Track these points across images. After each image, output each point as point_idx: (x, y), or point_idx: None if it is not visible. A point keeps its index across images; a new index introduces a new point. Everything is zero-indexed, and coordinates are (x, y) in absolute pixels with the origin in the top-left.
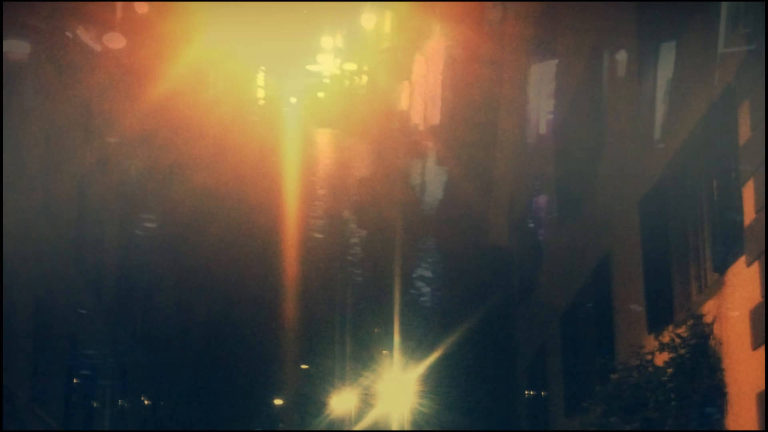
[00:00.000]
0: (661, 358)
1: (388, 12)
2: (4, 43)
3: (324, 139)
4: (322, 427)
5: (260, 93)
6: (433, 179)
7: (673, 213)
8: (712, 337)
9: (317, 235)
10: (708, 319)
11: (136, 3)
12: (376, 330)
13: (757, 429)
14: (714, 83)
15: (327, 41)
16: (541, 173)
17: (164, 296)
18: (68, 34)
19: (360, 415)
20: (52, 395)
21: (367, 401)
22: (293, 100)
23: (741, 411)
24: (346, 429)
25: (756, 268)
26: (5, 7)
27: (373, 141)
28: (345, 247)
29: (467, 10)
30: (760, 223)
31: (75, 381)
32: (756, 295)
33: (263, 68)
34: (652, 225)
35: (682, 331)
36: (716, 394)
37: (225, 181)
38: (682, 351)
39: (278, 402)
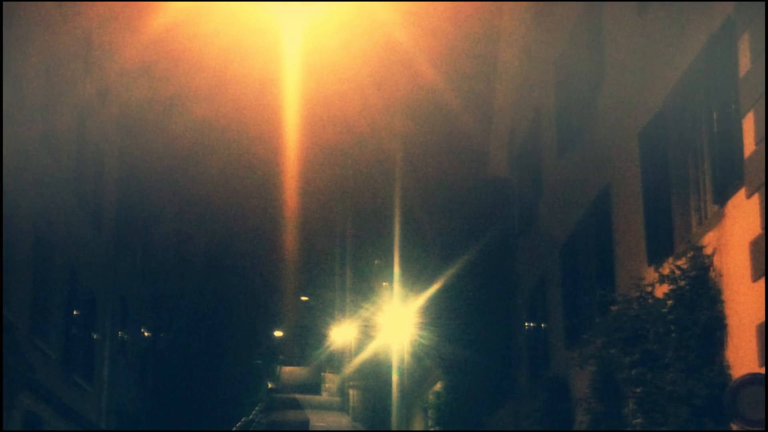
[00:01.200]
0: (661, 290)
1: None
2: None
3: (324, 71)
4: (324, 356)
5: (260, 24)
6: (432, 111)
7: (673, 145)
8: (712, 268)
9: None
10: (708, 250)
11: None
12: (376, 262)
13: (756, 360)
14: (714, 15)
15: None
16: (541, 105)
17: (164, 228)
18: None
19: (360, 347)
20: (52, 327)
21: (367, 333)
22: (294, 31)
23: (741, 343)
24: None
25: (756, 200)
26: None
27: (373, 72)
28: (345, 179)
29: None
30: (760, 155)
31: (75, 313)
32: (756, 227)
33: None
34: (652, 157)
35: (682, 262)
36: (716, 326)
37: (225, 113)
38: (682, 283)
39: (278, 334)
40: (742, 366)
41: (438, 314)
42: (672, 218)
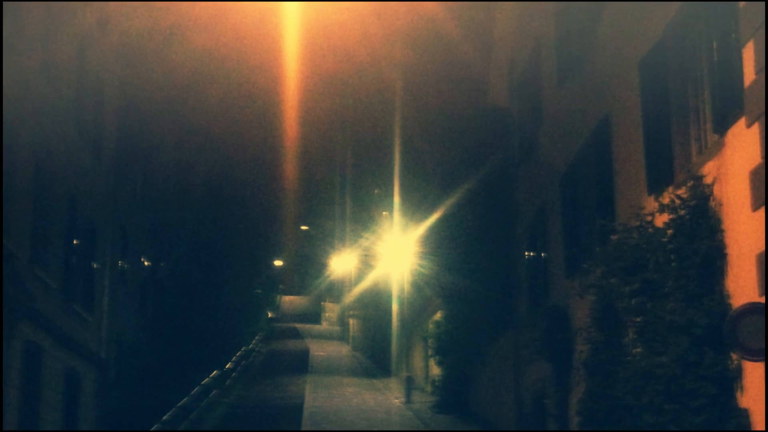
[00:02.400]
0: (661, 219)
1: None
2: None
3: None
4: (324, 285)
5: None
6: (432, 40)
7: (673, 74)
8: (712, 198)
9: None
10: (708, 180)
11: None
12: (376, 191)
13: (755, 290)
14: None
15: None
16: (541, 34)
17: (164, 157)
18: None
19: (360, 276)
20: (52, 256)
21: (367, 262)
22: None
23: (741, 272)
24: None
25: (756, 129)
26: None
27: (373, 1)
28: (345, 108)
29: None
30: (760, 84)
31: (75, 242)
32: (756, 156)
33: None
34: (651, 86)
35: (682, 192)
36: (716, 256)
37: (225, 42)
38: (682, 212)
39: (278, 263)
40: (742, 295)
41: (438, 244)
42: (672, 147)
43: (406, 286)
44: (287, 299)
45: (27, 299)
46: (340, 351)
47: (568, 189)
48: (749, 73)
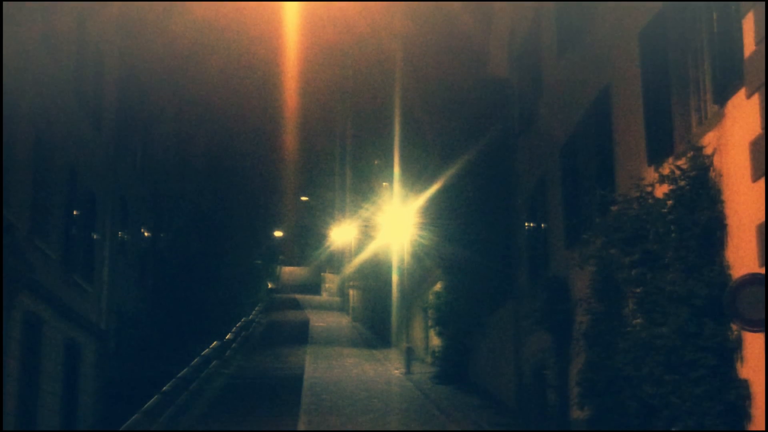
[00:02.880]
0: (661, 190)
1: None
2: None
3: None
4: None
5: None
6: (432, 10)
7: (673, 45)
8: (712, 168)
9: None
10: (708, 150)
11: None
12: (376, 162)
13: (755, 260)
14: None
15: None
16: (541, 4)
17: (164, 128)
18: None
19: (360, 247)
20: (52, 227)
21: (367, 233)
22: None
23: (741, 243)
24: None
25: (756, 100)
26: None
27: None
28: (345, 79)
29: None
30: (760, 55)
31: (75, 213)
32: (756, 127)
33: None
34: (651, 57)
35: (682, 163)
36: (716, 226)
37: (225, 13)
38: (682, 183)
39: (278, 234)
40: (742, 266)
41: (438, 214)
42: (672, 118)
43: (406, 257)
44: (287, 270)
45: (27, 270)
46: (339, 322)
47: (568, 160)
48: (749, 43)
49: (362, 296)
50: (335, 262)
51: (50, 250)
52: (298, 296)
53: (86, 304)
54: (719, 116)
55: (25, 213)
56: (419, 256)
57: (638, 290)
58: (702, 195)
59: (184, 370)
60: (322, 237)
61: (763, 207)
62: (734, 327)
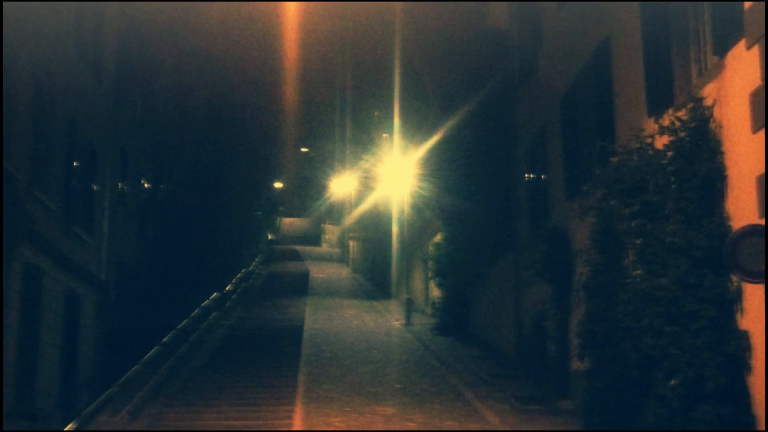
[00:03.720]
0: (661, 141)
1: None
2: None
3: None
4: (324, 207)
5: None
6: None
7: None
8: (712, 120)
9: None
10: (708, 102)
11: None
12: (376, 113)
13: (755, 212)
14: None
15: None
16: None
17: (164, 79)
18: None
19: (360, 198)
20: (52, 178)
21: (367, 185)
22: None
23: (741, 194)
24: None
25: (756, 51)
26: None
27: None
28: (345, 30)
29: None
30: (760, 6)
31: (75, 164)
32: (756, 78)
33: None
34: (651, 7)
35: (682, 114)
36: (716, 178)
37: None
38: (682, 134)
39: (278, 185)
40: (742, 218)
41: (438, 166)
42: (672, 69)
43: (406, 208)
44: (287, 221)
45: (27, 221)
46: (339, 273)
47: (568, 111)
48: None
49: (362, 247)
50: (335, 213)
51: (50, 201)
52: (298, 247)
53: (86, 255)
54: (719, 67)
55: (25, 164)
56: (419, 207)
57: (638, 241)
58: (702, 146)
59: (184, 321)
60: (322, 188)
61: (763, 158)
62: (734, 278)
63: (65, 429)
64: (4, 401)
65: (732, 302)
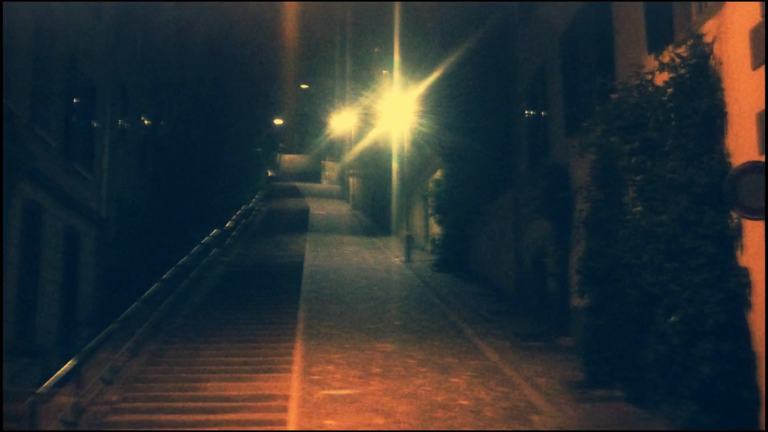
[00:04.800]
0: (660, 78)
1: None
2: None
3: None
4: (324, 144)
5: None
6: None
7: None
8: (712, 57)
9: None
10: (708, 39)
11: None
12: (376, 50)
13: (755, 148)
14: None
15: None
16: None
17: (164, 16)
18: None
19: (360, 135)
20: (53, 115)
21: (367, 121)
22: None
23: (741, 131)
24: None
25: None
26: None
27: None
28: None
29: None
30: None
31: (75, 101)
32: (756, 15)
33: None
34: None
35: (682, 51)
36: (716, 114)
37: None
38: (682, 71)
39: (278, 122)
40: (742, 154)
41: (438, 102)
42: (672, 6)
43: (406, 145)
44: (287, 158)
45: (27, 158)
46: (339, 210)
47: (568, 48)
48: None
49: (362, 184)
50: (335, 150)
51: (50, 138)
52: (298, 184)
53: (86, 192)
54: (719, 4)
55: (26, 101)
56: (419, 144)
57: (638, 178)
58: (702, 83)
59: (184, 258)
60: (322, 125)
61: (762, 95)
62: (734, 215)
63: (65, 365)
64: (4, 338)
65: (732, 239)
